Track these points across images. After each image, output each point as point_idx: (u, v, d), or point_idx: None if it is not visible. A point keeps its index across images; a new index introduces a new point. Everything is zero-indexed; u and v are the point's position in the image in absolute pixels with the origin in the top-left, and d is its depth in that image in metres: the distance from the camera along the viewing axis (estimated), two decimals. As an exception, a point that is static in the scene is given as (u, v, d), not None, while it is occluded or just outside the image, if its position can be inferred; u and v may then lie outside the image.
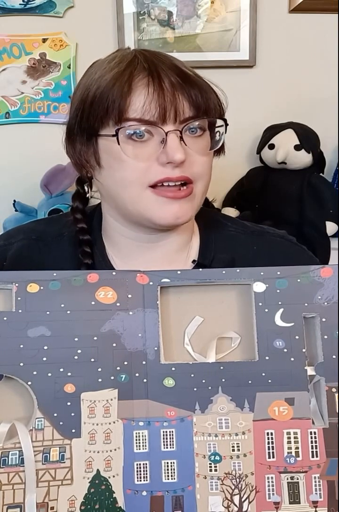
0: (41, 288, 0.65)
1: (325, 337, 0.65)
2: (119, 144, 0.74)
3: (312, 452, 0.64)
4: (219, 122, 0.80)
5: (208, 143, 0.79)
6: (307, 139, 1.69)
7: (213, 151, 0.82)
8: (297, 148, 1.69)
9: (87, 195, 0.90)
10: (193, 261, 0.86)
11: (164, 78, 0.74)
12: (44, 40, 1.72)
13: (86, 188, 0.89)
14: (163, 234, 0.83)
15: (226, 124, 0.80)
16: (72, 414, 0.62)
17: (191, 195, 0.77)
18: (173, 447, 0.63)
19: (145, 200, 0.76)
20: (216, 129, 0.80)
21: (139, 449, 0.62)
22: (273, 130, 1.74)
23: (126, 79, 0.74)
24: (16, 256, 0.86)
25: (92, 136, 0.78)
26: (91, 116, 0.76)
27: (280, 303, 0.66)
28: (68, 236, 0.88)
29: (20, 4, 1.68)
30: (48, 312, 0.64)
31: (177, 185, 0.76)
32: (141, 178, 0.75)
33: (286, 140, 1.70)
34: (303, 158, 1.70)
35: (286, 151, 1.69)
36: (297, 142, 1.69)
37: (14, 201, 1.68)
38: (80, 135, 0.79)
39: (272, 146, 1.73)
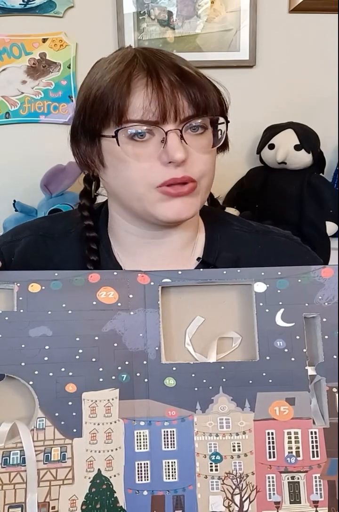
0: (43, 288, 0.65)
1: (326, 337, 0.65)
2: (119, 145, 0.74)
3: (313, 452, 0.64)
4: (221, 119, 0.79)
5: (210, 140, 0.79)
6: (307, 139, 1.69)
7: (217, 148, 0.82)
8: (297, 148, 1.69)
9: (96, 193, 0.90)
10: (198, 259, 0.86)
11: (163, 77, 0.74)
12: (44, 40, 1.72)
13: (93, 186, 0.89)
14: (168, 231, 0.83)
15: (227, 122, 0.80)
16: (74, 414, 0.62)
17: (194, 191, 0.77)
18: (174, 447, 0.63)
19: (150, 198, 0.76)
20: (218, 127, 0.80)
21: (140, 448, 0.63)
22: (273, 130, 1.74)
23: (125, 79, 0.75)
24: (24, 252, 0.87)
25: (95, 137, 0.78)
26: (93, 117, 0.77)
27: (280, 303, 0.66)
28: (75, 232, 0.88)
29: (20, 4, 1.67)
30: (49, 312, 0.64)
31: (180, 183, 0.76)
32: (145, 178, 0.75)
33: (286, 140, 1.70)
34: (303, 158, 1.70)
35: (286, 151, 1.69)
36: (297, 142, 1.69)
37: (14, 201, 1.68)
38: (84, 136, 0.80)
39: (272, 146, 1.73)
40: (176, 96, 0.74)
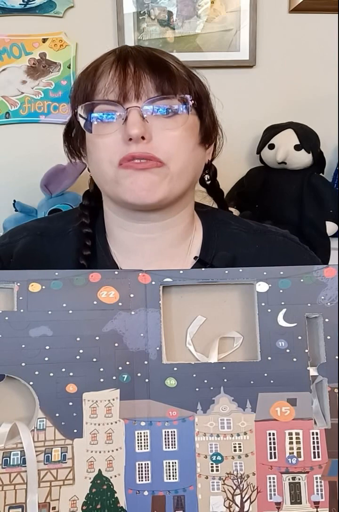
0: (43, 287, 0.64)
1: (328, 337, 0.65)
2: (80, 124, 0.78)
3: (314, 452, 0.64)
4: (192, 103, 0.78)
5: (181, 124, 0.77)
6: (307, 139, 1.69)
7: (199, 137, 0.81)
8: (297, 148, 1.69)
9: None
10: (195, 258, 0.86)
11: (130, 62, 0.77)
12: (44, 40, 1.71)
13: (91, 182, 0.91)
14: (156, 224, 0.83)
15: (191, 102, 0.78)
16: (74, 414, 0.62)
17: (162, 169, 0.76)
18: (174, 447, 0.63)
19: (116, 177, 0.77)
20: (189, 110, 0.78)
21: (141, 449, 0.62)
22: (273, 130, 1.74)
23: (95, 64, 0.79)
24: (22, 252, 0.87)
25: (80, 125, 0.81)
26: (71, 103, 0.82)
27: (283, 303, 0.66)
28: (72, 232, 0.89)
29: (20, 4, 1.67)
30: (50, 312, 0.64)
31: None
32: (110, 156, 0.77)
33: (286, 140, 1.70)
34: (303, 158, 1.70)
35: (286, 151, 1.69)
36: (297, 142, 1.69)
37: (14, 201, 1.68)
38: (74, 125, 0.85)
39: (272, 146, 1.72)
40: (141, 77, 0.75)
